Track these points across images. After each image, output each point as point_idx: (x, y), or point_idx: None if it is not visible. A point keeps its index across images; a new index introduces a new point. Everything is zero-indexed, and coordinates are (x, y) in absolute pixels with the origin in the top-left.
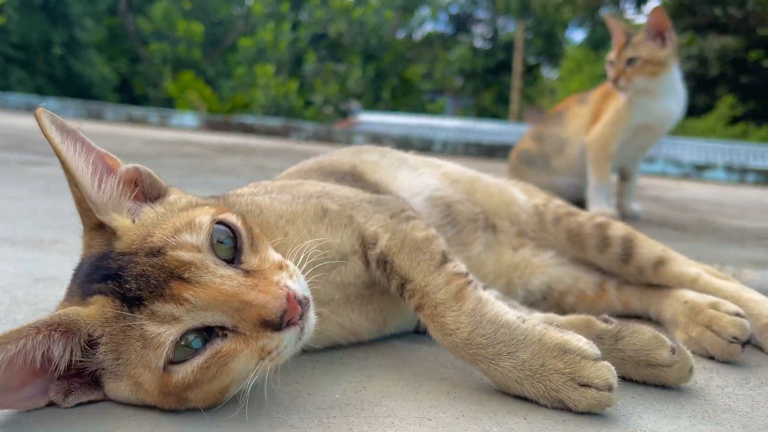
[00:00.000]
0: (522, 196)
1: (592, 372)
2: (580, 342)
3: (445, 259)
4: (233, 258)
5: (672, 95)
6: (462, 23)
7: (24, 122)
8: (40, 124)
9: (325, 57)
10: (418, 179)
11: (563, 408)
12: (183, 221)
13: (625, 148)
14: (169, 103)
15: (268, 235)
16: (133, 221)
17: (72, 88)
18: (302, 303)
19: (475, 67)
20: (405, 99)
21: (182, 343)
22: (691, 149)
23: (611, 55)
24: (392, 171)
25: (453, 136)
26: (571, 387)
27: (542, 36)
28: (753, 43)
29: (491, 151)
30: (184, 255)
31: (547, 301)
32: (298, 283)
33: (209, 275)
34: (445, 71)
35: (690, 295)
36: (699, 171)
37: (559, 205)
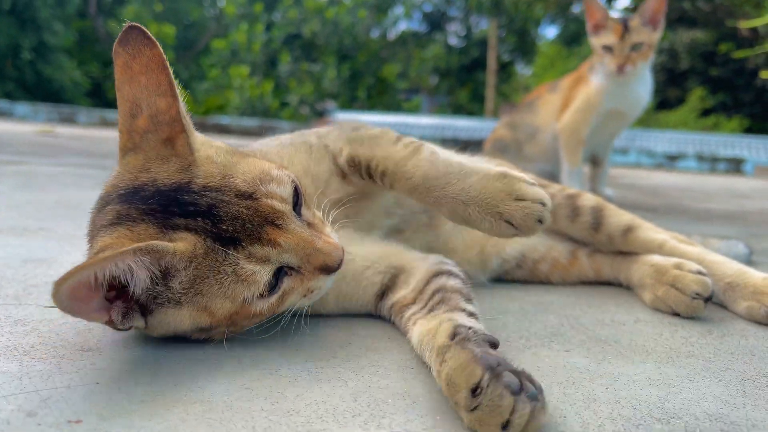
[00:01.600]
0: (492, 165)
1: (527, 189)
2: (518, 172)
3: (399, 137)
4: (295, 210)
5: (643, 81)
6: (436, 22)
7: None
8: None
9: (299, 57)
10: None
11: (505, 226)
12: (258, 171)
13: (595, 133)
14: None
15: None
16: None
17: (42, 92)
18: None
19: (450, 66)
20: (380, 98)
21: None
22: (664, 141)
23: (609, 39)
24: None
25: (429, 133)
26: (509, 200)
27: (515, 33)
28: (722, 35)
29: (467, 147)
30: (277, 205)
31: (522, 269)
32: (336, 238)
33: (294, 224)
34: (419, 70)
35: (656, 258)
36: (671, 161)
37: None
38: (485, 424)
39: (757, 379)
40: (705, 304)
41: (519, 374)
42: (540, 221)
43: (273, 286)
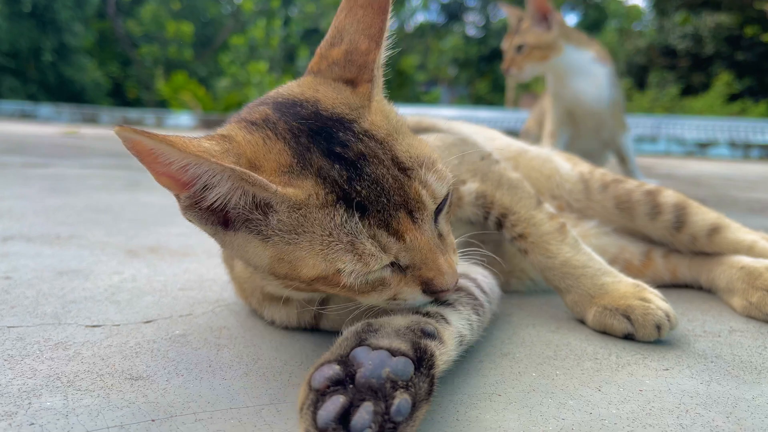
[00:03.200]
0: (566, 164)
1: (654, 298)
2: (654, 289)
3: (539, 201)
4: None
5: (579, 76)
6: (454, 12)
7: (19, 128)
8: None
9: None
10: None
11: (620, 321)
12: (425, 153)
13: (578, 131)
14: (162, 104)
15: None
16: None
17: (64, 93)
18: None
19: (469, 56)
20: (400, 91)
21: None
22: (692, 128)
23: (504, 43)
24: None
25: None
26: (633, 299)
27: None
28: (748, 19)
29: None
30: (425, 196)
31: None
32: (458, 265)
33: (427, 225)
34: (438, 61)
35: (746, 260)
36: (702, 149)
37: (604, 172)
38: None
39: None
40: None
41: (363, 393)
42: (659, 328)
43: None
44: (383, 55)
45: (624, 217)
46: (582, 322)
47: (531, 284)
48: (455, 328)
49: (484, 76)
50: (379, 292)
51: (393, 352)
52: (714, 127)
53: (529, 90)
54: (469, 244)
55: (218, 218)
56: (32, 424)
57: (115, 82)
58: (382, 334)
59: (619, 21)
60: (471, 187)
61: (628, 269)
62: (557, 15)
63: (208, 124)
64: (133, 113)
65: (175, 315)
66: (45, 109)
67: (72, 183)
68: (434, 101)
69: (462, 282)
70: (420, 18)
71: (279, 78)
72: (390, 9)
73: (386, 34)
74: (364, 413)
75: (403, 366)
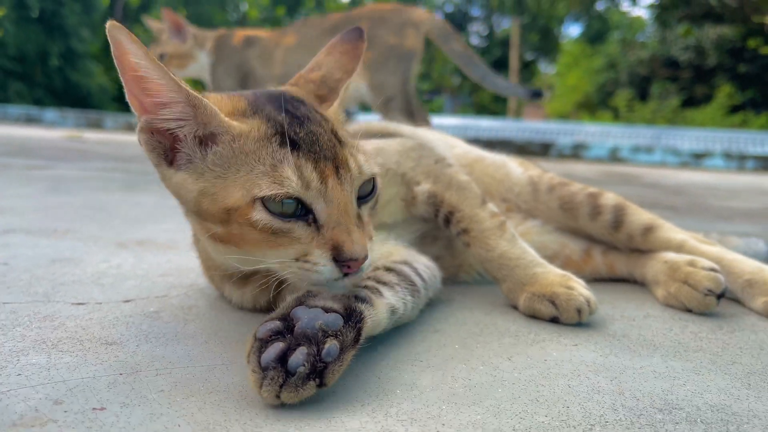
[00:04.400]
0: (518, 169)
1: (578, 286)
2: (579, 279)
3: (484, 200)
4: (361, 200)
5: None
6: (458, 22)
7: (24, 132)
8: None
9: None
10: None
11: (547, 305)
12: (364, 149)
13: None
14: None
15: None
16: (340, 112)
17: (70, 98)
18: (359, 270)
19: None
20: None
21: (285, 200)
22: (690, 139)
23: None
24: None
25: (451, 133)
26: (559, 287)
27: (538, 32)
28: (750, 31)
29: (489, 146)
30: (353, 163)
31: None
32: (369, 260)
33: (349, 188)
34: (442, 70)
35: (670, 255)
36: (697, 159)
37: (552, 176)
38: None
39: (763, 372)
40: (717, 301)
41: (299, 340)
42: (579, 311)
43: (287, 215)
44: (348, 86)
45: (568, 217)
46: (515, 307)
47: (478, 276)
48: (388, 301)
49: None
50: (289, 246)
51: (326, 310)
52: (712, 138)
53: (533, 100)
54: (423, 238)
55: (165, 151)
56: (19, 374)
57: (120, 88)
58: (320, 298)
59: (622, 32)
60: (424, 188)
61: (569, 264)
62: (190, 28)
63: None
64: (136, 119)
65: (152, 296)
66: (50, 113)
67: (72, 184)
68: (438, 110)
69: (403, 268)
70: None
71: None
72: (362, 58)
73: (356, 72)
74: (299, 354)
75: (334, 319)
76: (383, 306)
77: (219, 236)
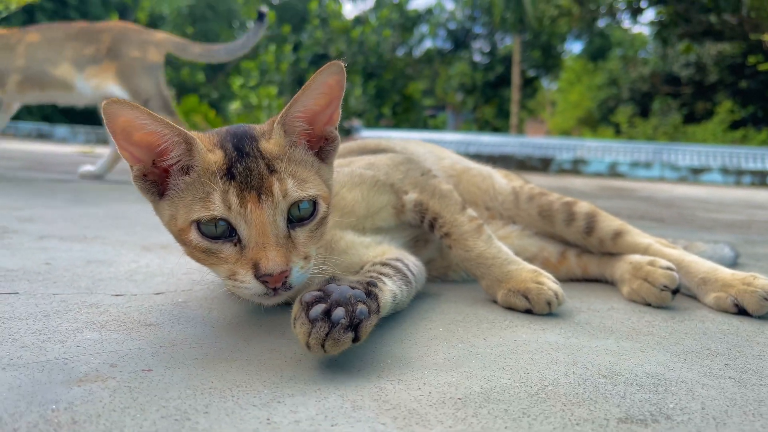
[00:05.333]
0: (502, 180)
1: (547, 281)
2: (548, 274)
3: (464, 206)
4: (294, 222)
5: None
6: (461, 39)
7: (37, 147)
8: (325, 67)
9: (347, 65)
10: None
11: (521, 299)
12: (303, 176)
13: None
14: None
15: (337, 195)
16: (290, 147)
17: (79, 115)
18: (285, 286)
19: (475, 82)
20: (406, 115)
21: (215, 222)
22: (691, 154)
23: None
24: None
25: (454, 149)
26: (531, 283)
27: (540, 48)
28: (751, 48)
29: (491, 161)
30: (276, 188)
31: None
32: (298, 276)
33: (271, 212)
34: (445, 87)
35: (635, 257)
36: (695, 174)
37: (533, 187)
38: (300, 343)
39: (700, 352)
40: (673, 296)
41: (334, 304)
42: (549, 304)
43: (215, 237)
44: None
45: (546, 223)
46: (494, 301)
47: (465, 275)
48: (390, 287)
49: (490, 102)
50: (220, 265)
51: (352, 286)
52: (712, 154)
53: (534, 115)
54: (416, 242)
55: (156, 188)
56: (78, 346)
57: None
58: (343, 281)
59: (624, 49)
60: (411, 197)
61: (546, 265)
62: None
63: None
64: None
65: (178, 290)
66: (61, 129)
67: (92, 195)
68: (440, 126)
69: (397, 264)
70: (427, 44)
71: (288, 102)
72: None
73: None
74: (340, 311)
75: (359, 293)
76: (388, 290)
77: (186, 254)
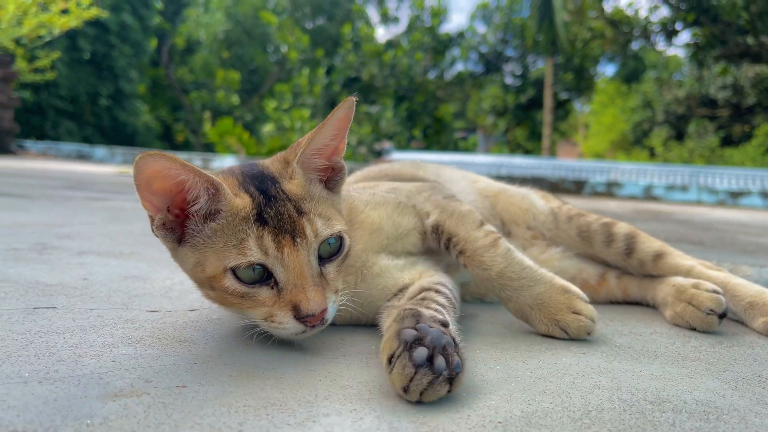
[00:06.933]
0: (540, 201)
1: (583, 306)
2: (577, 289)
3: (482, 223)
4: (324, 259)
5: None
6: (492, 62)
7: (77, 168)
8: (342, 103)
9: (358, 99)
10: (459, 197)
11: (557, 333)
12: (327, 214)
13: None
14: (209, 148)
15: (358, 218)
16: (307, 183)
17: (117, 136)
18: (322, 321)
19: (507, 104)
20: (437, 137)
21: (252, 267)
22: (729, 177)
23: None
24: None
25: (485, 171)
26: (567, 313)
27: (572, 71)
28: None
29: (523, 184)
30: (308, 229)
31: None
32: (332, 310)
33: (306, 253)
34: (476, 109)
35: (678, 279)
36: (734, 198)
37: (570, 207)
38: (394, 385)
39: (751, 379)
40: (719, 321)
41: (435, 349)
42: (588, 333)
43: (251, 282)
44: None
45: (585, 244)
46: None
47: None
48: (452, 325)
49: (521, 124)
50: (256, 308)
51: (431, 325)
52: (750, 177)
53: (566, 138)
54: (449, 267)
55: (176, 236)
56: (114, 361)
57: (165, 126)
58: (423, 317)
59: (658, 71)
60: (431, 219)
61: (585, 287)
62: None
63: None
64: (181, 156)
65: (213, 307)
66: (100, 150)
67: (128, 214)
68: (471, 148)
69: (444, 290)
70: (459, 67)
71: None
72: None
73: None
74: (442, 361)
75: (449, 340)
76: (453, 327)
77: (211, 298)
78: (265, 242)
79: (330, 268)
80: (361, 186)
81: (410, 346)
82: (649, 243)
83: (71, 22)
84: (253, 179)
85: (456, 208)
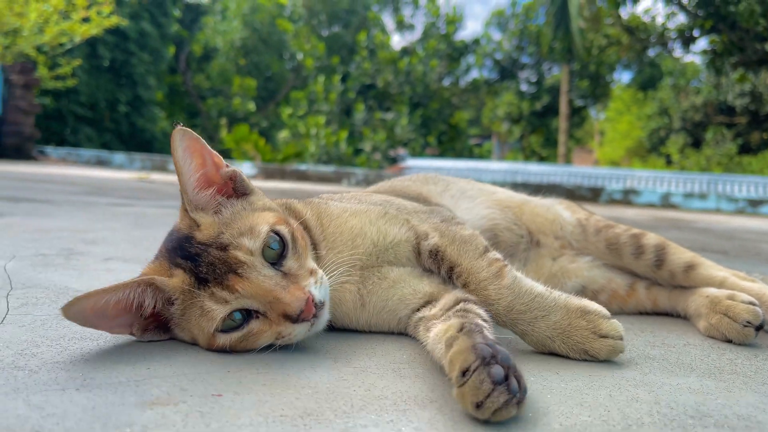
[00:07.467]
0: (566, 212)
1: (608, 326)
2: (595, 305)
3: (486, 249)
4: (278, 260)
5: None
6: (507, 69)
7: (97, 173)
8: (171, 139)
9: (373, 106)
10: (475, 209)
11: (587, 358)
12: (247, 225)
13: None
14: (225, 154)
15: (333, 223)
16: (215, 214)
17: (135, 142)
18: (317, 306)
19: (522, 111)
20: (452, 144)
21: (228, 318)
22: (747, 185)
23: None
24: (454, 201)
25: (500, 178)
26: (593, 339)
27: (588, 78)
28: None
29: (538, 191)
30: (241, 255)
31: None
32: (319, 290)
33: (256, 273)
34: (491, 116)
35: (711, 290)
36: (754, 206)
37: (598, 219)
38: (465, 399)
39: None
40: (756, 333)
41: (509, 369)
42: (620, 353)
43: (238, 326)
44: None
45: (614, 256)
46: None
47: None
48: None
49: (536, 131)
50: (261, 337)
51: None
52: None
53: (581, 145)
54: None
55: (162, 329)
56: (148, 368)
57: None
58: (486, 328)
59: (675, 78)
60: (430, 242)
61: (614, 297)
62: None
63: (267, 172)
64: None
65: None
66: (119, 156)
67: (151, 219)
68: (486, 155)
69: (478, 310)
70: (474, 74)
71: (335, 131)
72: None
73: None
74: (514, 382)
75: (513, 363)
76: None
77: (228, 350)
78: (218, 295)
79: (289, 263)
80: (349, 196)
81: (488, 362)
82: (680, 254)
83: (92, 30)
84: (175, 251)
85: (457, 233)
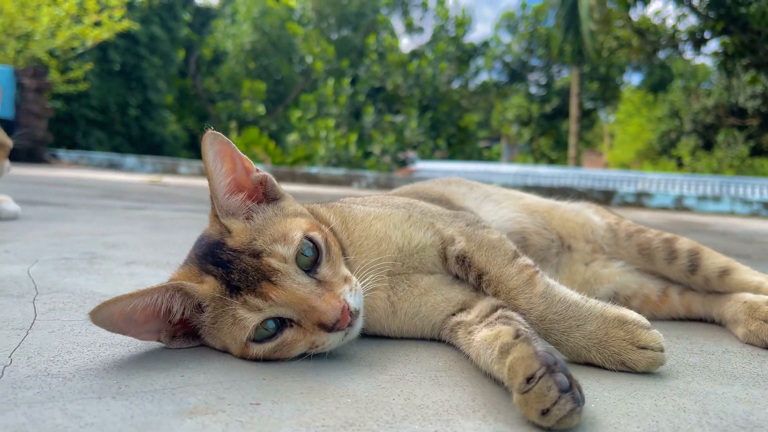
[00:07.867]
0: (596, 216)
1: (647, 337)
2: (634, 314)
3: (516, 255)
4: (312, 267)
5: None
6: (517, 72)
7: (109, 177)
8: (202, 142)
9: (382, 109)
10: (501, 212)
11: (625, 369)
12: (280, 232)
13: None
14: None
15: (358, 227)
16: (247, 220)
17: (146, 146)
18: (352, 314)
19: (531, 114)
20: (461, 147)
21: (261, 327)
22: (761, 187)
23: None
24: (477, 204)
25: (510, 181)
26: (631, 350)
27: (598, 80)
28: None
29: (549, 194)
30: (274, 263)
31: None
32: (354, 298)
33: (290, 281)
34: (500, 119)
35: (749, 296)
36: None
37: (629, 223)
38: (528, 406)
39: None
40: None
41: (571, 379)
42: (661, 365)
43: (271, 335)
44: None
45: (646, 261)
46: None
47: None
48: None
49: (546, 134)
50: (296, 347)
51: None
52: None
53: (591, 147)
54: None
55: (191, 336)
56: (182, 376)
57: (191, 136)
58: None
59: (685, 80)
60: (457, 247)
61: (647, 303)
62: None
63: (278, 175)
64: None
65: None
66: (130, 159)
67: (167, 223)
68: (495, 158)
69: (524, 321)
70: (483, 77)
71: (345, 134)
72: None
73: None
74: (577, 390)
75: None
76: None
77: (263, 359)
78: (251, 303)
79: (323, 270)
80: (371, 199)
81: (552, 369)
82: (714, 259)
83: (103, 34)
84: (206, 258)
85: (484, 237)
